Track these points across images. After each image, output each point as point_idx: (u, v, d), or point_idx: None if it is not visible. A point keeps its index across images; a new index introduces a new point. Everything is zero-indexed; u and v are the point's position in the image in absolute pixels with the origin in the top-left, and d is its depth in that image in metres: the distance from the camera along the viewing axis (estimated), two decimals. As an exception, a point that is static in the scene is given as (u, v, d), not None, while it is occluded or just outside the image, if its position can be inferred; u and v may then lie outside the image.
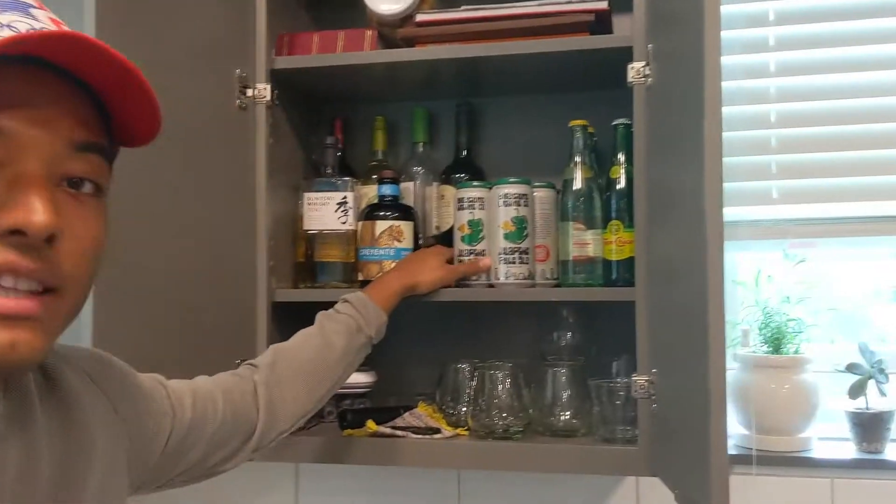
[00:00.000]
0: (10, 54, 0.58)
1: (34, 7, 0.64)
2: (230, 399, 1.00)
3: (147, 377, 0.91)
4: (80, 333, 1.05)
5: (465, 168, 1.53)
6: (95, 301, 1.06)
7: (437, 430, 1.36)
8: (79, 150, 0.63)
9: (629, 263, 1.31)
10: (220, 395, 0.99)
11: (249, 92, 1.39)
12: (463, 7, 1.40)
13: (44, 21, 0.63)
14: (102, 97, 0.66)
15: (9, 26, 0.59)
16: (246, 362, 1.11)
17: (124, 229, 1.11)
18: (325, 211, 1.47)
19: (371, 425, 1.36)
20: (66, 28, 0.64)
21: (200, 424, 0.95)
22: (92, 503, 0.73)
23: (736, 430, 1.53)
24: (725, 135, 0.93)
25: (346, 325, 1.18)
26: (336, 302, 1.22)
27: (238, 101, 1.37)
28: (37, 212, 0.59)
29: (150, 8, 1.17)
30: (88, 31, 1.05)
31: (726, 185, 0.93)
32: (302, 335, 1.16)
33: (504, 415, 1.34)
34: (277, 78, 1.43)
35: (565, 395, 1.36)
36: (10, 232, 0.59)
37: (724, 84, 0.96)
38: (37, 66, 0.61)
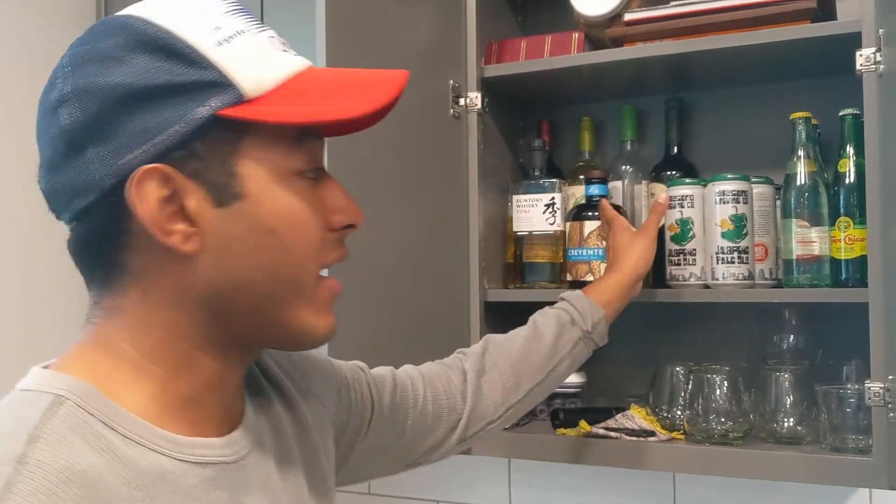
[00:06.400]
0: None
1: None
2: (433, 388, 1.00)
3: (348, 365, 0.93)
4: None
5: (677, 165, 1.50)
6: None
7: (652, 433, 1.34)
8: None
9: (860, 262, 1.23)
10: (422, 384, 1.00)
11: (462, 101, 1.44)
12: (672, 3, 1.37)
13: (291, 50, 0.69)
14: None
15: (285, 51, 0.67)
16: (458, 351, 1.14)
17: (350, 236, 1.19)
18: (534, 213, 1.49)
19: (584, 425, 1.37)
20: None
21: (401, 413, 0.96)
22: (324, 480, 0.80)
23: None
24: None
25: (556, 318, 1.16)
26: (548, 302, 1.22)
27: (451, 111, 1.42)
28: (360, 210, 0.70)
29: (373, 25, 1.25)
30: (320, 48, 1.13)
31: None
32: (515, 330, 1.17)
33: (722, 419, 1.30)
34: (487, 85, 1.47)
35: (789, 400, 1.30)
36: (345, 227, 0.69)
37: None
38: None
